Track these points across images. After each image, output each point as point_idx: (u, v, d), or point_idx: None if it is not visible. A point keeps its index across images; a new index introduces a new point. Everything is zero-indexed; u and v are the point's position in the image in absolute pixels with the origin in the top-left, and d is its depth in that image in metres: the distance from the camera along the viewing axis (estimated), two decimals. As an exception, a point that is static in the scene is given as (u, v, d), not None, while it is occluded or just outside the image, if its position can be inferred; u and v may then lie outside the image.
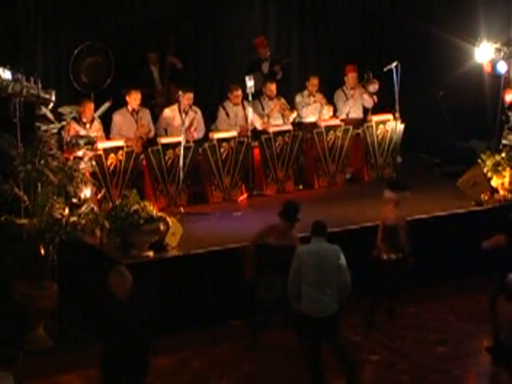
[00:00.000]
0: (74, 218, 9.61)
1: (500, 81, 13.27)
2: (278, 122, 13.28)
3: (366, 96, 13.91)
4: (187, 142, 12.09)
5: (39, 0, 13.38)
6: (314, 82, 13.63)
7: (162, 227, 10.09)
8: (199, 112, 12.75)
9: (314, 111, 13.62)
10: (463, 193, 12.04)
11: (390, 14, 15.21)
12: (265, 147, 12.73)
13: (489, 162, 12.16)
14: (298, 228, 10.87)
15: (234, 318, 10.11)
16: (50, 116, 9.95)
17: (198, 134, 12.69)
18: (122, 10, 13.99)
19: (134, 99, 12.36)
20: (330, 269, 8.36)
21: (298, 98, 13.69)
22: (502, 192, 12.14)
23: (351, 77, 13.91)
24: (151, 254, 10.07)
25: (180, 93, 12.33)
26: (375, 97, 13.85)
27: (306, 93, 13.68)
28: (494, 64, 13.20)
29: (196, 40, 14.69)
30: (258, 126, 13.03)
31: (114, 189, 11.62)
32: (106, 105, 12.39)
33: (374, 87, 13.89)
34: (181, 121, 12.23)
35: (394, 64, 13.18)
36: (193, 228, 10.88)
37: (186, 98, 12.41)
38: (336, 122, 13.40)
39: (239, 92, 12.91)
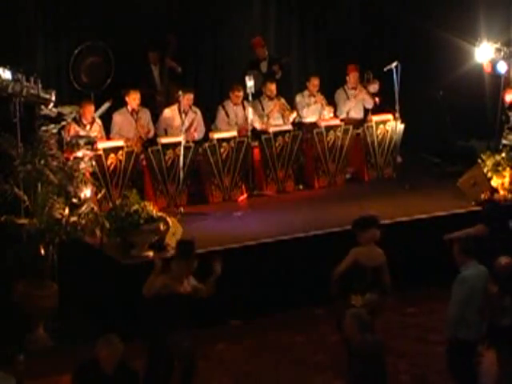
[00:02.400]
0: (74, 218, 9.61)
1: (500, 81, 13.27)
2: (277, 122, 13.29)
3: (366, 96, 13.92)
4: (187, 142, 12.10)
5: (39, 0, 13.39)
6: (314, 82, 13.63)
7: (162, 227, 10.09)
8: (199, 112, 12.75)
9: (314, 112, 13.63)
10: (463, 193, 12.04)
11: (390, 13, 15.21)
12: (265, 147, 12.73)
13: (489, 162, 12.16)
14: (300, 227, 10.94)
15: (234, 318, 10.12)
16: (55, 111, 9.96)
17: (198, 135, 12.69)
18: (122, 10, 13.98)
19: (133, 99, 12.36)
20: (486, 291, 8.07)
21: (299, 98, 13.69)
22: (501, 192, 12.14)
23: (353, 76, 13.92)
24: (151, 254, 10.06)
25: (180, 93, 12.33)
26: (377, 98, 13.86)
27: (306, 93, 13.68)
28: (494, 64, 13.21)
29: (196, 40, 14.69)
30: (258, 126, 13.02)
31: (114, 189, 11.62)
32: (106, 105, 12.40)
33: (374, 87, 13.90)
34: (181, 121, 12.23)
35: (394, 64, 13.17)
36: (193, 228, 10.87)
37: (186, 98, 12.41)
38: (336, 121, 13.40)
39: (241, 92, 12.92)
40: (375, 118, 13.54)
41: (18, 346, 8.98)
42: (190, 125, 12.50)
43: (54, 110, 10.02)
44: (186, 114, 12.46)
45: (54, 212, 9.55)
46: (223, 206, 12.16)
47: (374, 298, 8.60)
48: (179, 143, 11.89)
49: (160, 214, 10.24)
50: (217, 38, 15.00)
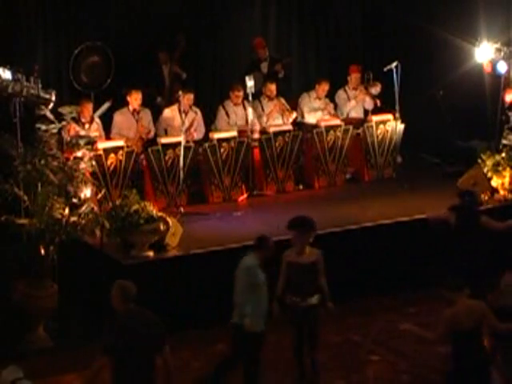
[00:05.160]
0: (74, 218, 9.61)
1: (500, 81, 13.27)
2: (277, 122, 13.28)
3: (367, 98, 13.91)
4: (187, 142, 12.10)
5: (39, 0, 13.39)
6: (325, 87, 13.52)
7: (162, 227, 10.09)
8: (199, 112, 12.75)
9: (318, 116, 13.58)
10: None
11: (391, 14, 15.21)
12: (265, 147, 12.73)
13: (489, 162, 12.17)
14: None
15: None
16: (51, 116, 9.96)
17: (198, 135, 12.69)
18: (122, 9, 14.00)
19: (134, 99, 12.37)
20: None
21: (304, 99, 13.61)
22: (502, 192, 12.15)
23: (354, 77, 13.91)
24: (151, 254, 10.07)
25: (180, 93, 12.34)
26: (378, 101, 13.84)
27: (313, 95, 13.61)
28: (494, 64, 13.21)
29: (196, 40, 14.69)
30: (256, 128, 12.99)
31: (113, 189, 11.62)
32: (106, 105, 12.39)
33: (375, 90, 13.89)
34: (181, 121, 12.23)
35: (394, 64, 13.18)
36: (193, 228, 10.88)
37: (187, 98, 12.42)
38: (336, 122, 13.40)
39: (241, 92, 12.92)
40: (375, 118, 13.54)
41: (22, 346, 9.02)
42: (190, 125, 12.50)
43: (49, 114, 9.99)
44: (186, 114, 12.46)
45: (54, 212, 9.55)
46: (223, 206, 12.16)
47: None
48: (179, 143, 11.89)
49: (160, 214, 10.24)
50: (217, 38, 14.99)
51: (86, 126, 11.93)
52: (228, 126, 12.89)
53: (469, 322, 7.45)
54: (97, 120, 12.15)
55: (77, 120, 11.74)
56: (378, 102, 13.85)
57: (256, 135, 12.83)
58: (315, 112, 13.56)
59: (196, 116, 12.67)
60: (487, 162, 12.17)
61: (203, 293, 10.02)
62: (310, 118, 13.57)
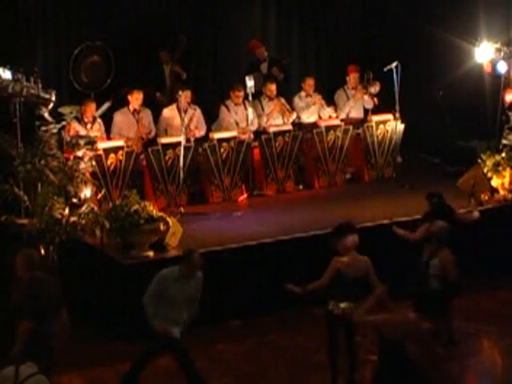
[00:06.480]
0: (74, 218, 9.61)
1: (500, 81, 13.27)
2: (277, 122, 13.28)
3: (366, 97, 13.92)
4: (187, 141, 12.10)
5: (39, 0, 13.39)
6: (309, 82, 13.62)
7: (162, 227, 10.09)
8: (198, 109, 12.75)
9: (313, 112, 13.61)
10: (463, 193, 12.03)
11: (391, 13, 15.21)
12: (265, 147, 12.73)
13: (489, 162, 12.16)
14: (300, 227, 10.93)
15: (234, 318, 10.12)
16: (49, 118, 9.97)
17: (199, 132, 12.69)
18: (122, 9, 14.00)
19: (135, 99, 12.37)
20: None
21: (296, 100, 13.65)
22: (501, 192, 12.15)
23: (353, 77, 13.93)
24: (151, 253, 10.06)
25: (180, 93, 12.34)
26: (376, 99, 13.85)
27: (302, 94, 13.66)
28: (494, 64, 13.21)
29: (196, 40, 14.70)
30: (254, 127, 13.01)
31: (114, 189, 11.62)
32: (106, 105, 12.40)
33: (374, 89, 13.90)
34: (180, 120, 12.23)
35: (394, 64, 13.19)
36: (193, 228, 10.87)
37: (184, 95, 12.41)
38: (336, 121, 13.40)
39: (241, 92, 12.92)
40: (375, 118, 13.54)
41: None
42: (190, 121, 12.49)
43: (47, 116, 9.99)
44: (185, 111, 12.45)
45: (54, 212, 9.56)
46: (223, 206, 12.16)
47: (351, 307, 8.22)
48: (179, 143, 11.89)
49: (160, 214, 10.24)
50: (217, 38, 15.01)
51: (89, 125, 11.94)
52: (230, 125, 12.88)
53: (397, 334, 7.31)
54: (99, 120, 12.16)
55: (79, 120, 11.75)
56: (376, 100, 13.85)
57: (251, 135, 12.83)
58: (308, 108, 13.58)
59: (195, 112, 12.66)
60: (487, 162, 12.17)
61: (202, 292, 10.00)
62: (306, 116, 13.58)
